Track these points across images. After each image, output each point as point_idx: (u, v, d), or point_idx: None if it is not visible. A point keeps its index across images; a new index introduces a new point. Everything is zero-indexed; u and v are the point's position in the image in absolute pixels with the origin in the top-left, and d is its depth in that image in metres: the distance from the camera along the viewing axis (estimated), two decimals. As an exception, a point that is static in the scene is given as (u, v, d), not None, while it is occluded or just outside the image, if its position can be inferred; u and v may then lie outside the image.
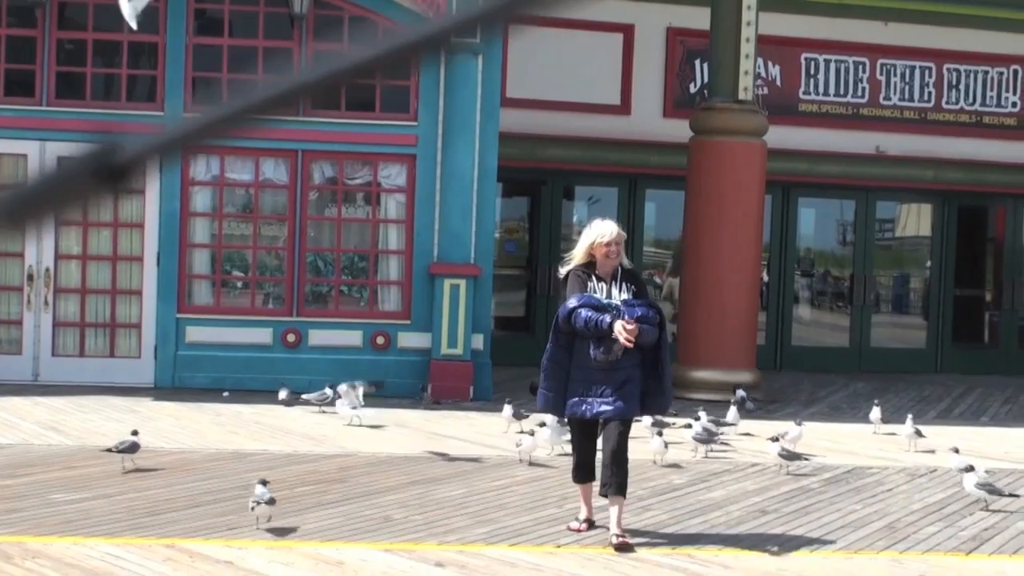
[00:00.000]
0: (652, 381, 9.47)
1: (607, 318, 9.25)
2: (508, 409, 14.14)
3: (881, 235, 23.67)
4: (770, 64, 21.77)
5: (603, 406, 9.40)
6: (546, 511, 10.53)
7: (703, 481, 12.07)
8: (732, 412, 14.70)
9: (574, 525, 9.86)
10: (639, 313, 9.30)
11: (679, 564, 9.15)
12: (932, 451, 13.57)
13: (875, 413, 15.26)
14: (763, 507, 11.09)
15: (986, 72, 22.60)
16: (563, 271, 9.68)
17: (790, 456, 12.48)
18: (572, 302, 9.37)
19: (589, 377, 9.39)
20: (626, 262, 9.65)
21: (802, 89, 22.07)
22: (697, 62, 21.50)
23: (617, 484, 9.37)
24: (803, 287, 23.22)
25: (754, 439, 14.23)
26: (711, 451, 13.37)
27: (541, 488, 11.44)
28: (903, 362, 22.22)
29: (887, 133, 22.11)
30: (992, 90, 22.65)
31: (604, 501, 9.65)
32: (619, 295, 9.43)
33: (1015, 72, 22.71)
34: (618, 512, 9.46)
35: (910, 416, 14.77)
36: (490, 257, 17.49)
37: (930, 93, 22.48)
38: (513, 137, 18.77)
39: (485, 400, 15.94)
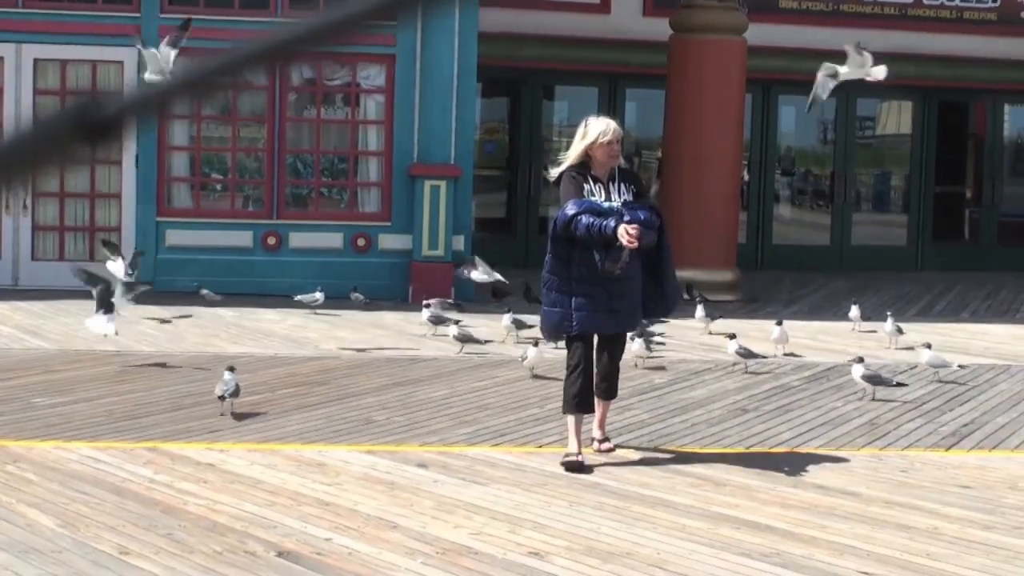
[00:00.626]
0: (652, 284, 9.08)
1: (611, 223, 8.65)
2: (426, 313, 13.97)
3: (862, 133, 23.61)
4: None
5: (614, 320, 8.94)
6: (528, 411, 10.56)
7: (684, 380, 12.10)
8: (699, 311, 14.65)
9: (568, 460, 8.79)
10: (642, 216, 8.78)
11: (661, 459, 9.19)
12: (911, 348, 13.61)
13: (854, 311, 15.28)
14: (744, 405, 11.13)
15: (968, -33, 22.46)
16: (555, 173, 9.08)
17: (748, 354, 12.49)
18: (570, 208, 8.76)
19: (595, 290, 8.80)
20: (622, 161, 9.17)
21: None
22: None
23: (608, 388, 9.11)
24: (783, 186, 23.18)
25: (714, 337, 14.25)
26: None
27: (522, 388, 11.47)
28: (883, 260, 22.24)
29: (868, 29, 21.95)
30: (974, -15, 22.51)
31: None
32: (618, 197, 8.89)
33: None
34: (603, 413, 9.25)
35: (889, 314, 14.80)
36: (470, 158, 17.41)
37: (911, -11, 22.34)
38: (492, 37, 18.62)
39: (467, 301, 15.94)
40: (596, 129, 8.94)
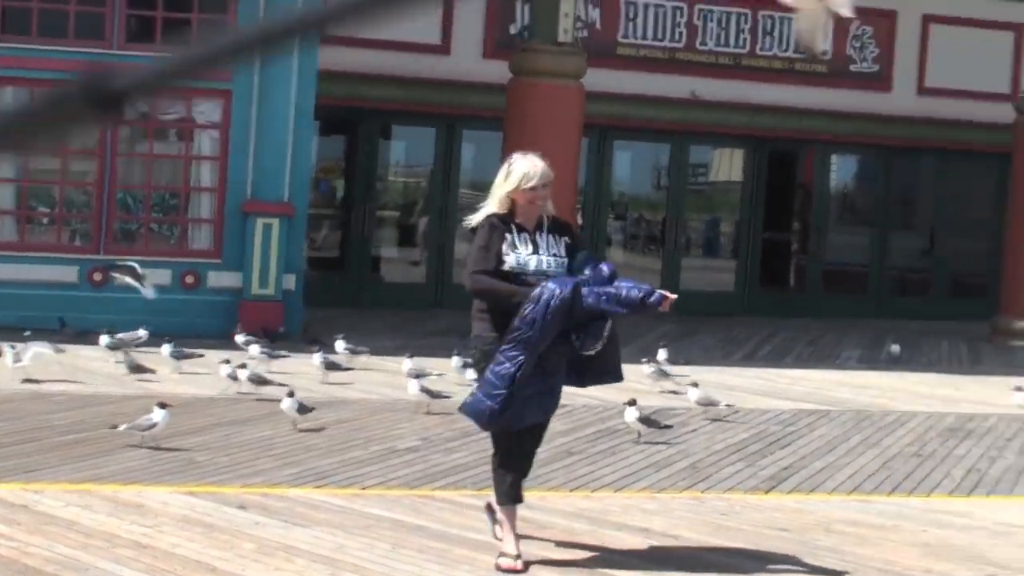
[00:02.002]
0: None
1: (632, 290, 7.60)
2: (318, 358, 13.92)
3: (694, 179, 23.95)
4: (590, 6, 21.83)
5: (548, 404, 7.80)
6: (352, 453, 10.51)
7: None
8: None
9: (506, 564, 7.67)
10: (607, 272, 7.72)
11: (472, 503, 9.19)
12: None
13: (661, 354, 15.09)
14: (569, 448, 11.19)
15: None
16: (474, 220, 7.86)
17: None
18: (486, 264, 7.65)
19: (543, 370, 7.59)
20: (551, 208, 7.92)
21: (620, 32, 22.18)
22: (519, 3, 21.49)
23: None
24: (616, 230, 23.41)
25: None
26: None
27: (348, 430, 11.41)
28: (712, 304, 22.54)
29: (703, 78, 22.33)
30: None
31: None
32: (547, 250, 7.73)
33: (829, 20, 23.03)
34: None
35: (658, 360, 14.72)
36: (305, 196, 17.33)
37: (745, 39, 22.74)
38: (332, 75, 18.59)
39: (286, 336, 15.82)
40: (520, 171, 7.78)
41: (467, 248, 23.45)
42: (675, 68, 22.20)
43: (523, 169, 7.78)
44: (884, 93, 23.31)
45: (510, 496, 7.81)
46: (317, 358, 13.81)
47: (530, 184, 7.73)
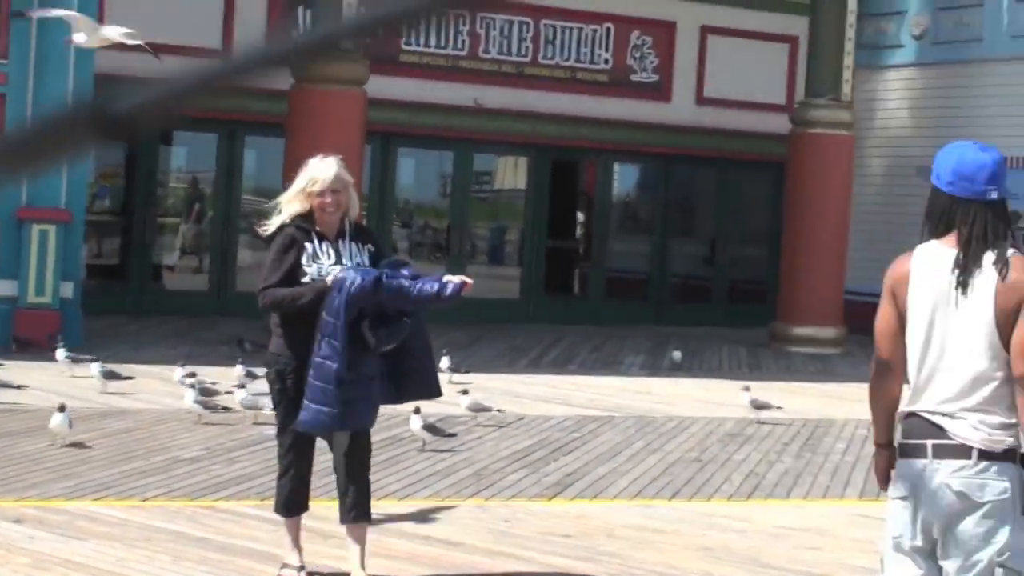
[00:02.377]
0: (409, 359, 7.46)
1: (429, 284, 7.16)
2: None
3: (479, 187, 24.05)
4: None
5: (363, 411, 7.34)
6: (133, 464, 10.32)
7: (296, 431, 12.02)
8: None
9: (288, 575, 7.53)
10: (407, 273, 7.27)
11: (269, 515, 9.09)
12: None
13: (444, 362, 14.95)
14: (354, 456, 11.12)
15: (580, 29, 23.16)
16: (271, 226, 7.33)
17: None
18: (274, 277, 7.21)
19: (359, 375, 7.19)
20: (357, 214, 7.48)
21: (404, 39, 22.17)
22: (300, 9, 21.33)
23: (366, 506, 7.48)
24: (402, 237, 23.39)
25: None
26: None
27: (129, 441, 11.20)
28: (497, 312, 22.64)
29: (486, 86, 22.43)
30: (586, 47, 23.23)
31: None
32: (349, 259, 7.26)
33: (608, 29, 23.35)
34: (363, 548, 7.48)
35: (445, 359, 14.48)
36: (82, 202, 16.97)
37: (527, 48, 22.91)
38: (111, 78, 18.23)
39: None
40: (307, 175, 7.29)
41: (251, 255, 23.26)
42: (458, 76, 22.27)
43: (310, 173, 7.28)
44: (664, 103, 23.68)
45: (291, 507, 7.57)
46: (95, 368, 13.54)
47: (315, 189, 7.22)
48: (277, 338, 7.39)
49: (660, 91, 23.70)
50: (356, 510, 7.35)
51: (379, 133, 20.93)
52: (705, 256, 24.78)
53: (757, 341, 21.30)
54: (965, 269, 4.98)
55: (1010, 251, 5.00)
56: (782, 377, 18.18)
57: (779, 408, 13.92)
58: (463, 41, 22.50)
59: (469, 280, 7.25)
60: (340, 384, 7.03)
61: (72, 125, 1.52)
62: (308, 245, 7.22)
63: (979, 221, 5.01)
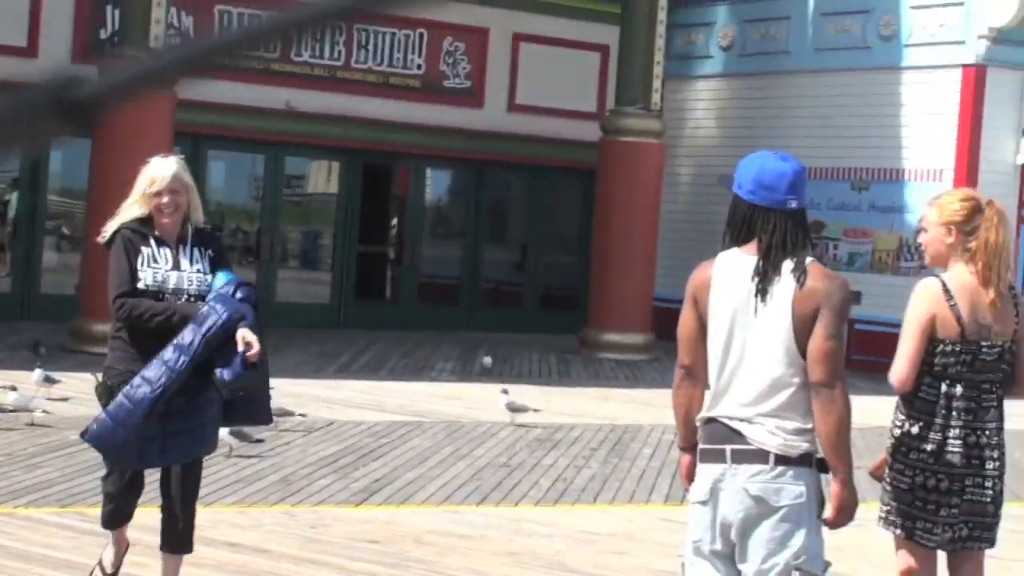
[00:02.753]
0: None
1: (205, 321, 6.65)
2: None
3: (290, 191, 23.89)
4: (183, 14, 21.50)
5: (189, 443, 6.88)
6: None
7: (99, 437, 11.81)
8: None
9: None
10: (241, 297, 6.77)
11: (69, 522, 8.92)
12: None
13: None
14: (159, 462, 10.96)
15: (394, 34, 23.13)
16: (108, 231, 6.92)
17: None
18: (126, 285, 6.80)
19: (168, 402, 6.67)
20: (199, 218, 6.99)
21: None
22: (109, 7, 20.98)
23: (190, 538, 7.14)
24: (212, 241, 23.10)
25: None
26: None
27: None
28: (308, 317, 22.51)
29: (298, 89, 22.29)
30: (399, 52, 23.21)
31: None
32: (190, 265, 6.86)
33: (421, 35, 23.36)
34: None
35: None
36: None
37: (340, 52, 22.81)
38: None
39: None
40: (144, 176, 6.90)
41: (57, 257, 22.80)
42: (270, 79, 22.07)
43: (149, 173, 6.85)
44: (476, 109, 23.75)
45: (111, 523, 7.21)
46: None
47: (153, 190, 6.80)
48: (114, 351, 6.89)
49: (473, 97, 23.77)
50: (180, 542, 7.04)
51: (189, 135, 20.65)
52: (516, 262, 24.91)
53: (567, 347, 21.45)
54: (765, 276, 5.07)
55: (808, 259, 5.09)
56: (591, 383, 18.35)
57: (536, 411, 13.95)
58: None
59: (251, 339, 6.65)
60: (147, 416, 6.55)
61: (31, 111, 1.46)
62: (144, 249, 6.81)
63: (779, 229, 5.10)
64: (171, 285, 6.82)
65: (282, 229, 23.26)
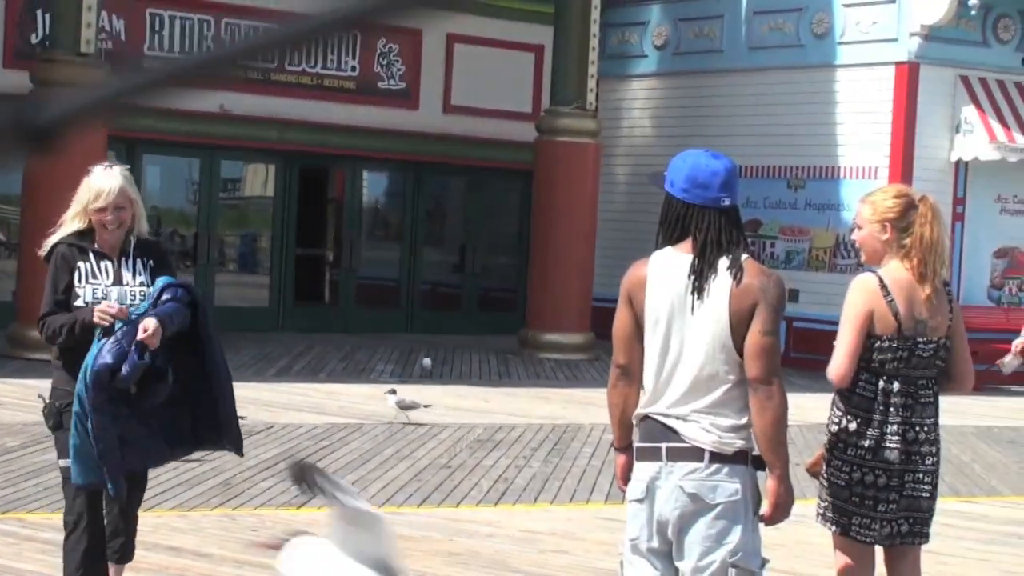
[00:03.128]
0: (202, 399, 6.79)
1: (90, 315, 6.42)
2: None
3: (227, 194, 23.79)
4: (115, 18, 21.38)
5: (145, 449, 6.58)
6: None
7: (38, 443, 11.74)
8: None
9: None
10: (167, 298, 6.42)
11: (9, 528, 8.87)
12: None
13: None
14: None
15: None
16: (47, 245, 6.64)
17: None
18: (48, 305, 6.54)
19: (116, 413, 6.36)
20: (144, 229, 6.69)
21: (147, 44, 21.82)
22: (39, 12, 20.85)
23: (132, 546, 6.86)
24: (148, 245, 22.99)
25: None
26: None
27: None
28: (247, 320, 22.43)
29: (232, 92, 22.18)
30: (333, 53, 23.17)
31: None
32: (132, 278, 6.57)
33: (354, 36, 23.31)
34: None
35: None
36: None
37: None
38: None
39: None
40: (87, 188, 6.57)
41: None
42: (204, 81, 21.96)
43: (94, 186, 6.50)
44: (412, 111, 23.74)
45: (89, 565, 6.61)
46: None
47: (97, 205, 6.46)
48: (57, 370, 6.62)
49: (408, 99, 23.76)
50: (123, 552, 6.73)
51: (123, 139, 20.53)
52: (455, 263, 24.92)
53: (507, 348, 21.48)
54: (700, 274, 5.10)
55: (743, 256, 5.13)
56: (531, 383, 18.39)
57: (427, 407, 13.96)
58: (208, 47, 22.20)
59: (110, 308, 6.35)
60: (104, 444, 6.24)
61: None
62: (82, 264, 6.49)
63: (713, 227, 5.13)
64: (113, 301, 6.48)
65: (219, 233, 23.18)
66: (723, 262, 5.09)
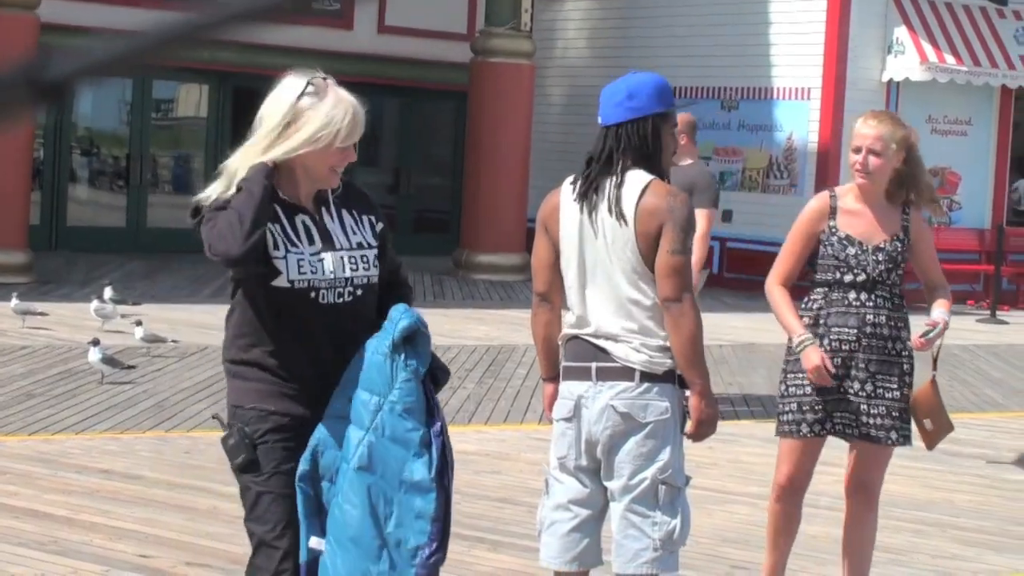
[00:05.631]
0: None
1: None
2: None
3: (160, 115, 23.60)
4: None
5: None
6: None
7: (-34, 366, 11.70)
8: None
9: None
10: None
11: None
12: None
13: (107, 292, 14.50)
14: (30, 391, 10.88)
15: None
16: (208, 196, 4.62)
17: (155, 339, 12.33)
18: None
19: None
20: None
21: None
22: None
23: None
24: (81, 166, 22.83)
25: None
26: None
27: None
28: (180, 241, 22.26)
29: (164, 12, 21.95)
30: (267, -27, 22.94)
31: None
32: (345, 238, 4.55)
33: (289, -44, 23.10)
34: None
35: (108, 289, 14.24)
36: None
37: (207, -27, 22.51)
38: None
39: None
40: (328, 118, 4.47)
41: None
42: (135, 1, 21.76)
43: (337, 116, 4.49)
44: (346, 31, 23.58)
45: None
46: None
47: (348, 142, 4.52)
48: (239, 378, 4.62)
49: (342, 19, 23.58)
50: None
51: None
52: (389, 185, 24.84)
53: (442, 269, 21.50)
54: (585, 196, 5.10)
55: (648, 178, 5.10)
56: (466, 304, 18.42)
57: (176, 342, 13.17)
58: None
59: None
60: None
61: (5, 88, 1.48)
62: (273, 225, 4.47)
63: (599, 147, 5.14)
64: (327, 273, 4.51)
65: (153, 154, 23.00)
66: (621, 182, 5.06)
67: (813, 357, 6.03)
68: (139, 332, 12.64)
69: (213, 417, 5.21)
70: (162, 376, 11.82)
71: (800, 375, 6.14)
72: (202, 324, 14.67)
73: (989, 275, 20.83)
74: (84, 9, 21.18)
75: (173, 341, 12.95)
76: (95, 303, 13.82)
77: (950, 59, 21.04)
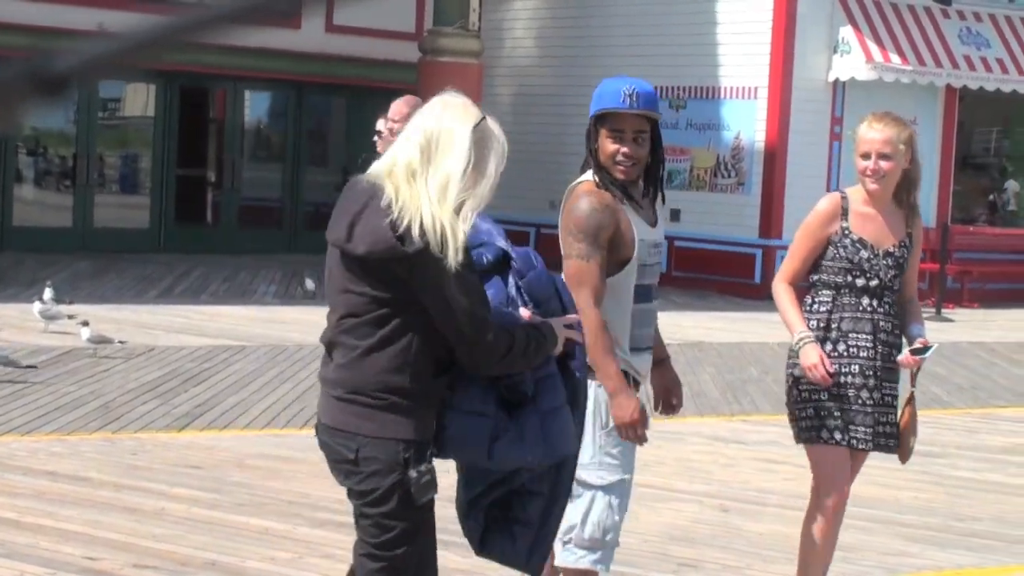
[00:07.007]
0: None
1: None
2: None
3: (106, 114, 23.47)
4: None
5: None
6: None
7: None
8: None
9: None
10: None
11: None
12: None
13: (47, 293, 14.38)
14: (-26, 393, 10.81)
15: (209, -46, 22.79)
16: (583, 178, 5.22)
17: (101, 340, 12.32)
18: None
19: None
20: None
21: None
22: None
23: None
24: (27, 166, 22.69)
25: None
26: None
27: None
28: (127, 241, 22.22)
29: (110, 10, 21.84)
30: (214, -28, 22.86)
31: None
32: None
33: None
34: None
35: (48, 290, 14.04)
36: None
37: (154, -28, 22.40)
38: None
39: None
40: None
41: None
42: (83, 0, 21.65)
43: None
44: (294, 30, 23.49)
45: None
46: None
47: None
48: (395, 412, 4.37)
49: (290, 18, 23.49)
50: None
51: (1, 59, 20.17)
52: (338, 184, 24.73)
53: (390, 268, 21.44)
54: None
55: (581, 178, 5.24)
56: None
57: (123, 343, 12.89)
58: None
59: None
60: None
61: (9, 84, 1.48)
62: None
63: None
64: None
65: (99, 153, 22.88)
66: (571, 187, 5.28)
67: (812, 355, 5.92)
68: (85, 333, 12.58)
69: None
70: (108, 377, 11.77)
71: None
72: (148, 324, 14.62)
73: (934, 273, 20.97)
74: (29, 8, 21.03)
75: (120, 342, 12.87)
76: (38, 304, 13.74)
77: (895, 59, 21.17)
